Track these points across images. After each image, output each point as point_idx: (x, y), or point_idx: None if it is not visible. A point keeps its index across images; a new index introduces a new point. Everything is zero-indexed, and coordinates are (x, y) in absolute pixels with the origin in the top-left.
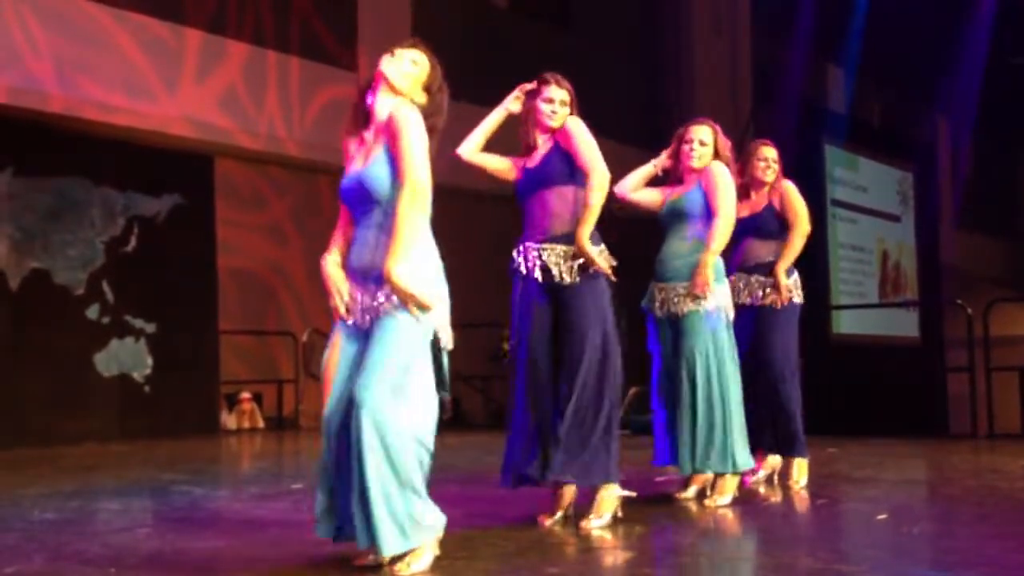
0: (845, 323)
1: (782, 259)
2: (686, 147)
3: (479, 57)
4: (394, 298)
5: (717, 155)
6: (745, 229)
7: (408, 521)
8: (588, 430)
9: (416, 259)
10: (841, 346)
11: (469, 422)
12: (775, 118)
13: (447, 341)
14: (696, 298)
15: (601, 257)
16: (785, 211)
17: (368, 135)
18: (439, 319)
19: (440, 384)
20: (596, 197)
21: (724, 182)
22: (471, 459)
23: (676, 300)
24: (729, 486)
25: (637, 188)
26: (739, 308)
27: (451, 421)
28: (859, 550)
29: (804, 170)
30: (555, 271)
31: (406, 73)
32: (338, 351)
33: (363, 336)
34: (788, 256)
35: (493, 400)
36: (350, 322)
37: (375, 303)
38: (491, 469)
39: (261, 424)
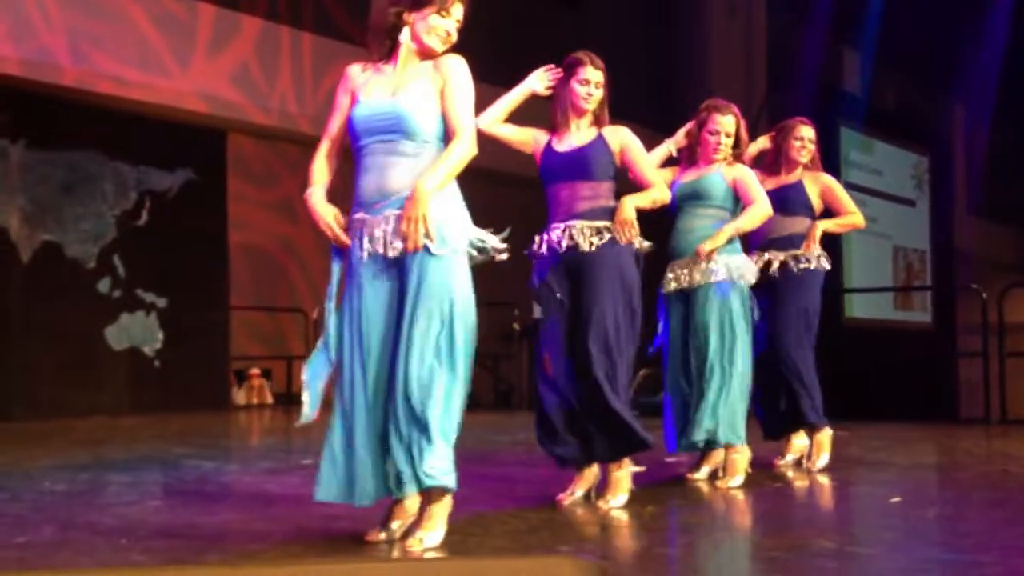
0: (858, 307)
1: (832, 224)
2: (712, 138)
3: (490, 35)
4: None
5: (738, 143)
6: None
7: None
8: (604, 403)
9: (446, 194)
10: (853, 330)
11: (478, 402)
12: (790, 100)
13: (497, 245)
14: (702, 265)
15: (634, 231)
16: (833, 204)
17: (389, 67)
18: (476, 239)
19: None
20: (654, 200)
21: (756, 182)
22: (480, 438)
23: (687, 273)
24: (740, 466)
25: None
26: (760, 284)
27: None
28: (873, 532)
29: (819, 153)
30: (576, 240)
31: (447, 41)
32: (356, 310)
33: (390, 278)
34: (835, 227)
35: (503, 380)
36: (363, 254)
37: (392, 227)
38: (501, 448)
39: (270, 400)
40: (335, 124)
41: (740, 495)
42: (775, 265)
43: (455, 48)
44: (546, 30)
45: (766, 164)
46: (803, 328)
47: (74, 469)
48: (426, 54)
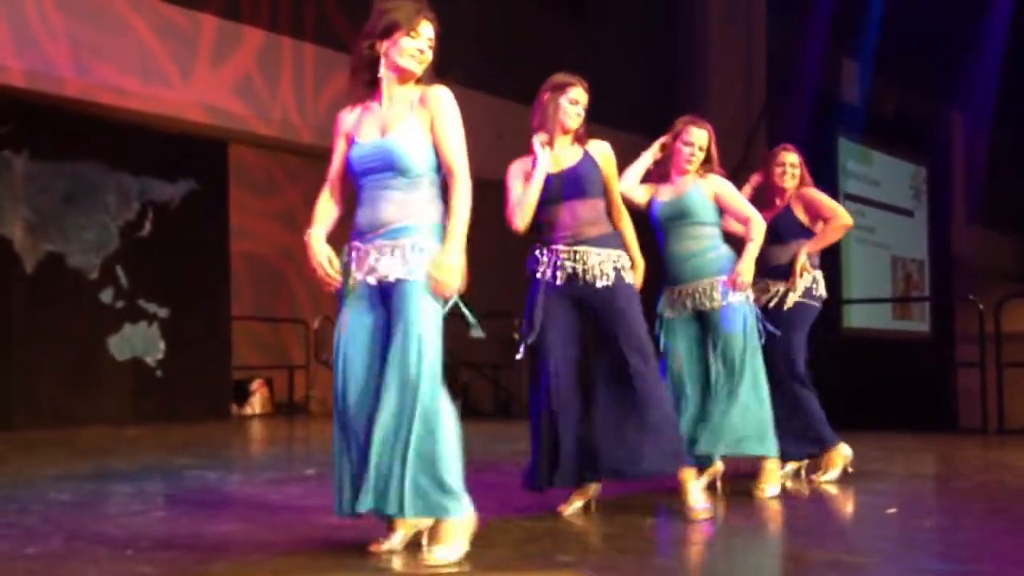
0: (856, 317)
1: (812, 243)
2: (686, 149)
3: (494, 45)
4: (411, 266)
5: (708, 159)
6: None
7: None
8: (655, 416)
9: (432, 227)
10: (852, 340)
11: (478, 410)
12: (789, 110)
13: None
14: (719, 287)
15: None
16: (816, 211)
17: (378, 105)
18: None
19: (472, 324)
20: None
21: (738, 193)
22: (481, 447)
23: (709, 294)
24: (775, 474)
25: (638, 183)
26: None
27: (460, 409)
28: (869, 542)
29: (817, 163)
30: (589, 273)
31: (423, 60)
32: (350, 329)
33: (375, 303)
34: (818, 243)
35: (503, 388)
36: (353, 279)
37: (382, 259)
38: (501, 457)
39: (269, 409)
40: (334, 168)
41: (738, 505)
42: (778, 295)
43: (456, 61)
44: (551, 41)
45: (765, 201)
46: (806, 352)
47: (78, 479)
48: (405, 77)
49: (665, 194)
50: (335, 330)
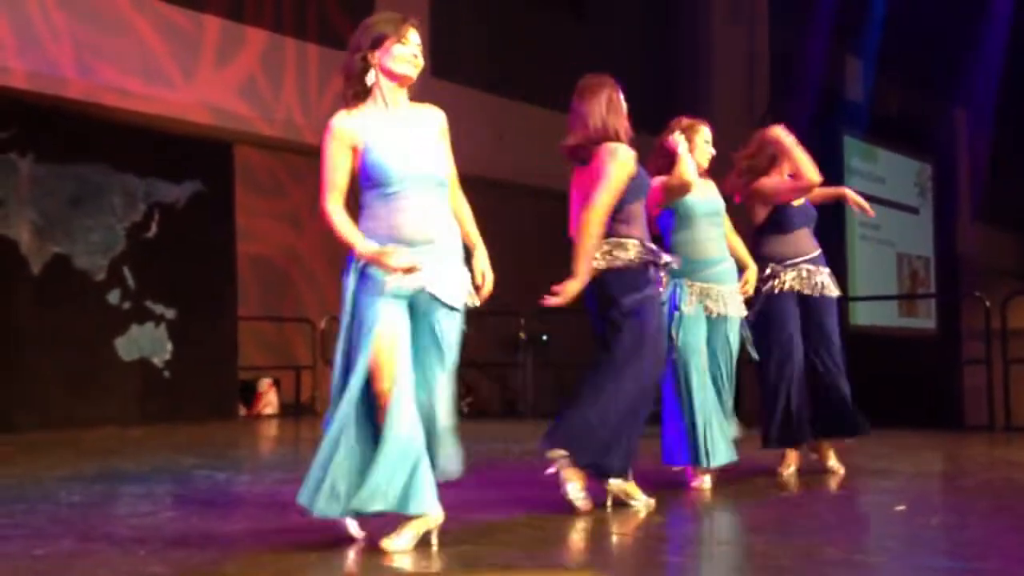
0: (862, 314)
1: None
2: (709, 148)
3: (494, 45)
4: (463, 293)
5: None
6: (803, 220)
7: None
8: None
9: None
10: (857, 337)
11: (485, 411)
12: (793, 108)
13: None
14: (738, 297)
15: None
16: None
17: (379, 108)
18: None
19: None
20: None
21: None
22: (488, 447)
23: (736, 302)
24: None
25: None
26: (798, 298)
27: (466, 409)
28: (877, 541)
29: (821, 160)
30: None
31: (417, 64)
32: (391, 327)
33: (403, 303)
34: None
35: (509, 388)
36: (408, 281)
37: (438, 275)
38: (509, 456)
39: (276, 409)
40: (341, 178)
41: (747, 504)
42: (827, 282)
43: (457, 61)
44: (551, 41)
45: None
46: (841, 346)
47: (88, 480)
48: (404, 83)
49: (697, 191)
50: (364, 323)
